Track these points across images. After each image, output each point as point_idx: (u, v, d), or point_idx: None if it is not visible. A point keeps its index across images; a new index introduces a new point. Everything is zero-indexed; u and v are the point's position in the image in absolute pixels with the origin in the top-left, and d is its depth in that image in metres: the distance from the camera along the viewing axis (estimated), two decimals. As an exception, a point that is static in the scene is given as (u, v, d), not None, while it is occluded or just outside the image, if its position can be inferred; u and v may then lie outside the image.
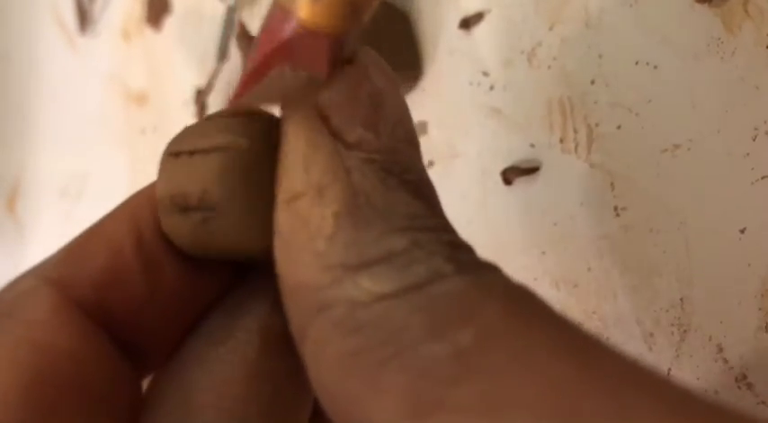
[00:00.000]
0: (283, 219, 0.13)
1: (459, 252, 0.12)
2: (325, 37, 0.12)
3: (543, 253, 0.27)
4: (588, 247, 0.26)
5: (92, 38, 0.52)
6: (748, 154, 0.22)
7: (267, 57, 0.12)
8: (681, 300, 0.24)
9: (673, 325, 0.24)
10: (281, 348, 0.15)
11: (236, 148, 0.14)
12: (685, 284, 0.23)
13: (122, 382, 0.14)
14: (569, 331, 0.11)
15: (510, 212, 0.28)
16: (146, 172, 0.47)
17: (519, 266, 0.28)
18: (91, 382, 0.13)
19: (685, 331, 0.24)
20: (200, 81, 0.43)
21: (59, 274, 0.14)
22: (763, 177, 0.22)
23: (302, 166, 0.13)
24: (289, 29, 0.12)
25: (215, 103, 0.42)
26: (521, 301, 0.12)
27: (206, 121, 0.15)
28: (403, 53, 0.31)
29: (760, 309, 0.22)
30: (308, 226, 0.12)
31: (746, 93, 0.22)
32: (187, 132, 0.15)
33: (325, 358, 0.12)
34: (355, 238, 0.12)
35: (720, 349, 0.23)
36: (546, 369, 0.10)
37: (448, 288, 0.12)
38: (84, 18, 0.52)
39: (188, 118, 0.43)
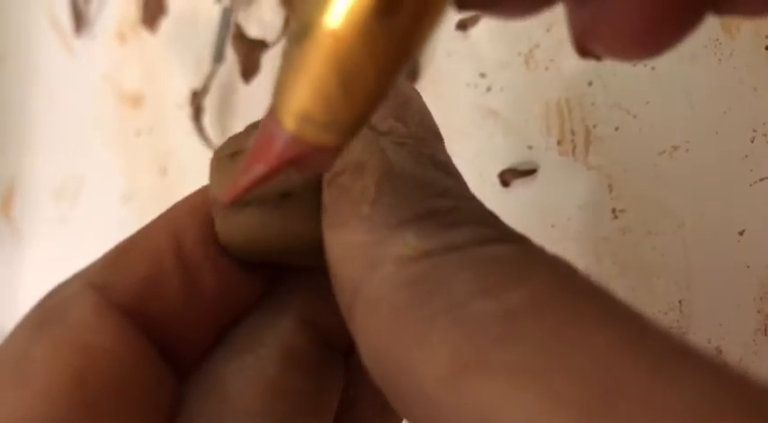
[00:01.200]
0: (327, 194, 0.14)
1: (497, 220, 0.13)
2: (331, 149, 0.12)
3: (541, 255, 0.27)
4: (586, 249, 0.26)
5: (87, 40, 0.52)
6: (747, 156, 0.22)
7: (272, 169, 0.13)
8: (679, 302, 0.24)
9: (671, 327, 0.24)
10: (302, 367, 0.15)
11: None
12: (684, 287, 0.23)
13: (162, 383, 0.15)
14: (614, 303, 0.11)
15: (507, 215, 0.28)
16: (141, 174, 0.47)
17: (517, 269, 0.27)
18: (132, 382, 0.14)
19: (684, 334, 0.23)
20: (196, 83, 0.42)
21: (102, 279, 0.15)
22: (761, 179, 0.22)
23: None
24: (294, 146, 0.12)
25: (211, 105, 0.42)
26: (566, 270, 0.12)
27: (256, 128, 0.16)
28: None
29: (759, 311, 0.22)
30: (351, 195, 0.13)
31: (745, 94, 0.22)
32: (237, 138, 0.16)
33: (377, 315, 0.12)
34: (396, 201, 0.13)
35: (719, 352, 0.23)
36: (593, 338, 0.10)
37: (494, 252, 0.12)
38: (80, 20, 0.52)
39: (183, 120, 0.43)
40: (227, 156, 0.16)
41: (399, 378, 0.12)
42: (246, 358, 0.15)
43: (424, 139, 0.14)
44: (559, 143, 0.26)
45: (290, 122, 0.12)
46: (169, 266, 0.15)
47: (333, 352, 0.16)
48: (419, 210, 0.13)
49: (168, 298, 0.15)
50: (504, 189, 0.28)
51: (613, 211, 0.25)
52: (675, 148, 0.23)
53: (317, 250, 0.15)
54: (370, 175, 0.13)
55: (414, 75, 0.31)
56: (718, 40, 0.23)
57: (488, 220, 0.13)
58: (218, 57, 0.41)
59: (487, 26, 0.29)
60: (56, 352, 0.13)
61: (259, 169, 0.13)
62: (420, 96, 0.15)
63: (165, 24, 0.45)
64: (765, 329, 0.22)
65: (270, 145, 0.12)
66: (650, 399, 0.09)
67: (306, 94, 0.11)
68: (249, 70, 0.40)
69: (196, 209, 0.16)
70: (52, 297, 0.15)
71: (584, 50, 0.12)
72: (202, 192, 0.16)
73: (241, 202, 0.15)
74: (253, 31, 0.40)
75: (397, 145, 0.14)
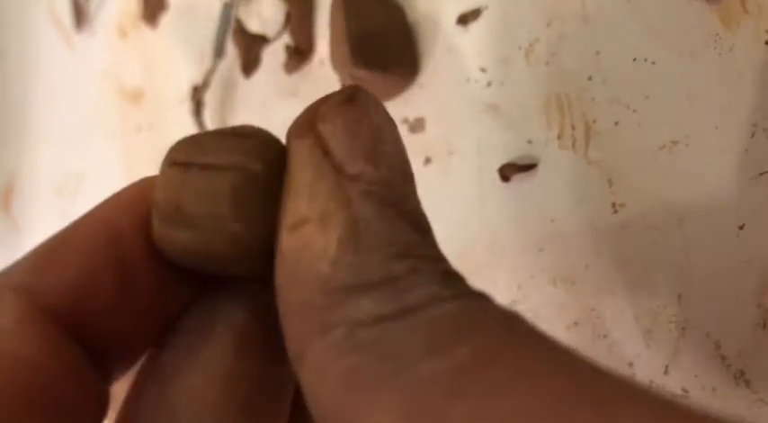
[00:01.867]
0: (288, 242, 0.13)
1: (455, 280, 0.13)
2: None
3: (541, 250, 0.27)
4: (586, 244, 0.26)
5: (88, 35, 0.52)
6: (746, 150, 0.22)
7: None
8: (679, 297, 0.24)
9: (671, 322, 0.24)
10: (256, 356, 0.15)
11: (251, 170, 0.14)
12: (683, 281, 0.23)
13: (90, 390, 0.14)
14: (559, 350, 0.11)
15: (507, 209, 0.28)
16: (141, 170, 0.47)
17: (516, 264, 0.28)
18: (58, 392, 0.13)
19: (683, 328, 0.23)
20: (197, 78, 0.42)
21: (29, 281, 0.14)
22: (761, 174, 0.22)
23: (308, 194, 0.13)
24: None
25: (211, 100, 0.42)
26: (513, 322, 0.12)
27: (216, 137, 0.15)
28: (400, 50, 0.31)
29: (758, 305, 0.22)
30: (313, 249, 0.13)
31: (744, 89, 0.22)
32: (194, 144, 0.15)
33: (325, 378, 0.12)
34: (357, 262, 0.13)
35: (718, 346, 0.23)
36: (541, 385, 0.10)
37: (445, 310, 0.12)
38: (81, 15, 0.52)
39: (184, 115, 0.43)
40: (179, 164, 0.15)
41: None
42: (202, 351, 0.15)
43: (393, 183, 0.14)
44: (559, 138, 0.26)
45: None
46: (104, 264, 0.14)
47: None
48: (378, 274, 0.12)
49: (102, 298, 0.14)
50: (504, 184, 0.28)
51: (613, 205, 0.25)
52: (675, 142, 0.23)
53: (260, 273, 0.14)
54: (333, 230, 0.13)
55: (414, 69, 0.31)
56: (717, 34, 0.23)
57: (445, 279, 0.13)
58: (219, 52, 0.41)
59: (487, 21, 0.29)
60: None
61: None
62: (394, 125, 0.15)
63: (166, 20, 0.45)
64: (764, 323, 0.22)
65: None
66: None
67: None
68: (250, 65, 0.40)
69: (134, 202, 0.15)
70: None
71: None
72: (140, 184, 0.15)
73: (188, 218, 0.14)
74: (253, 25, 0.40)
75: (365, 194, 0.13)
